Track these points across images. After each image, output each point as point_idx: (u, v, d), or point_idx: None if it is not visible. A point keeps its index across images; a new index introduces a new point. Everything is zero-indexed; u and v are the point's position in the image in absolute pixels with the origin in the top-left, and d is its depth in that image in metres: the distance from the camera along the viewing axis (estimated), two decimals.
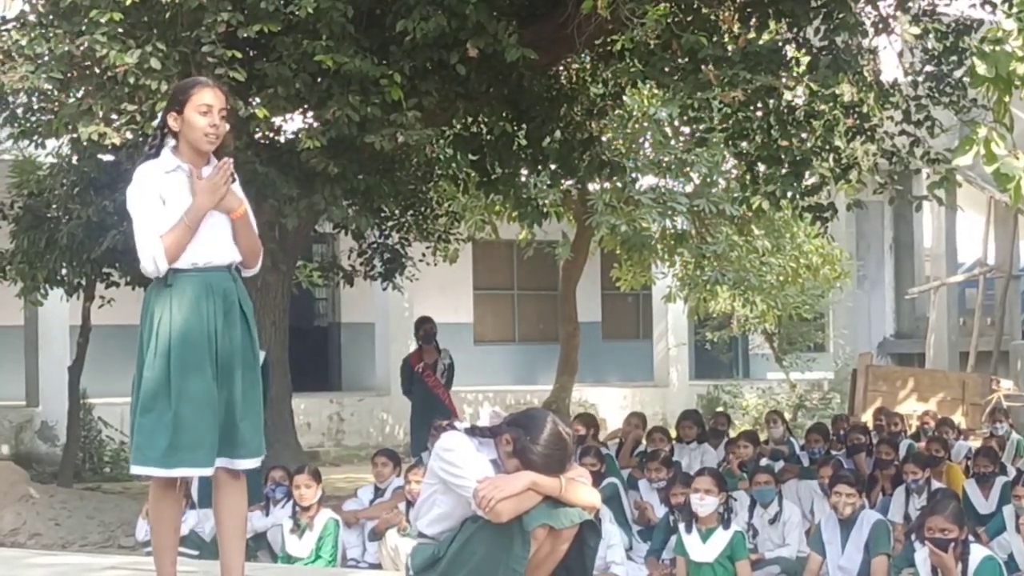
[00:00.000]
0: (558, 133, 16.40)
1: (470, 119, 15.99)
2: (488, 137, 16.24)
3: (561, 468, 6.86)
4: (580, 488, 6.90)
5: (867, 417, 21.00)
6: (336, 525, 12.40)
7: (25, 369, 23.36)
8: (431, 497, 7.02)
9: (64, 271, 17.17)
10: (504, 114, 15.64)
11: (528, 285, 30.51)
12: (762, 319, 26.67)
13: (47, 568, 10.32)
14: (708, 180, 21.89)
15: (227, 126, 7.10)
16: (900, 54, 15.27)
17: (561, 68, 16.33)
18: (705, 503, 11.21)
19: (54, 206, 16.97)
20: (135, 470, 7.08)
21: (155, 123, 7.33)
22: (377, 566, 12.51)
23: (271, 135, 14.26)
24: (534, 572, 6.86)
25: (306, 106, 13.72)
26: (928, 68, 15.63)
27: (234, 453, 7.07)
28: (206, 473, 7.07)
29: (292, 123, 14.37)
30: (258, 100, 13.13)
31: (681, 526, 11.49)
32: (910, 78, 15.73)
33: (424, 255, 19.46)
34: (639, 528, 13.57)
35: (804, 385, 29.55)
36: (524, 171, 16.96)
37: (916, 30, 13.93)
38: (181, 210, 6.92)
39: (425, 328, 18.33)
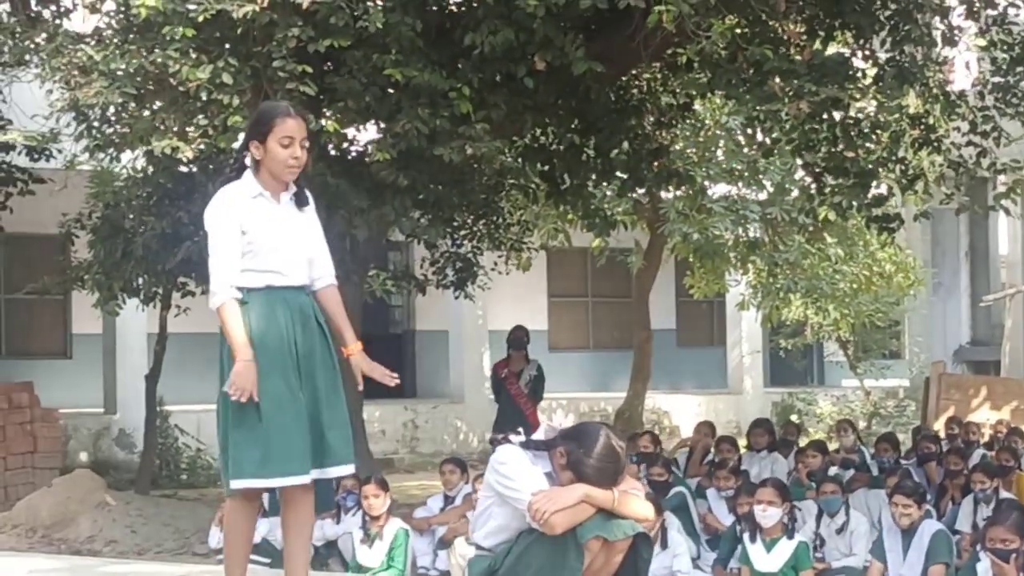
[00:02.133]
0: (626, 144, 16.44)
1: (539, 131, 16.04)
2: (557, 148, 16.30)
3: (614, 480, 6.96)
4: (633, 500, 7.00)
5: (939, 425, 20.92)
6: (406, 535, 12.48)
7: (103, 377, 23.59)
8: (487, 509, 7.12)
9: (140, 281, 17.38)
10: (572, 125, 15.71)
11: (602, 292, 30.56)
12: (836, 326, 26.61)
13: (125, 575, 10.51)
14: (781, 188, 21.87)
15: (307, 154, 7.25)
16: (967, 65, 15.28)
17: (629, 80, 16.37)
18: (768, 514, 11.29)
19: (130, 217, 17.18)
20: (235, 484, 7.14)
21: (236, 145, 7.45)
22: (446, 574, 12.61)
23: (342, 148, 14.39)
24: None
25: (376, 119, 13.80)
26: (996, 79, 15.62)
27: (324, 462, 7.17)
28: (303, 481, 7.14)
29: (362, 135, 14.49)
30: (328, 113, 13.26)
31: (745, 536, 11.57)
32: (977, 89, 15.73)
33: (496, 264, 19.55)
34: (707, 537, 13.62)
35: (879, 393, 29.42)
36: (593, 181, 17.02)
37: (984, 41, 13.93)
38: (262, 238, 7.07)
39: (515, 335, 18.49)
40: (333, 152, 14.27)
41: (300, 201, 7.35)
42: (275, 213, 7.18)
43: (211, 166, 15.63)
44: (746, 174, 21.56)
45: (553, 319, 30.00)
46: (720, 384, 30.45)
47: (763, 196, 22.05)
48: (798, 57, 14.01)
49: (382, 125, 13.82)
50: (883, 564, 11.56)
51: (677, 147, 19.36)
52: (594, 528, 6.83)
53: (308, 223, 7.36)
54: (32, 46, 14.05)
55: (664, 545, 12.03)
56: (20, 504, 15.61)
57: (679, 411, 28.16)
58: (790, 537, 11.38)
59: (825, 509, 12.93)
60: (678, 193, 19.90)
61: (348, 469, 7.38)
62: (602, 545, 6.88)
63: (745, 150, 21.35)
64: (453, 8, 14.09)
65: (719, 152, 21.56)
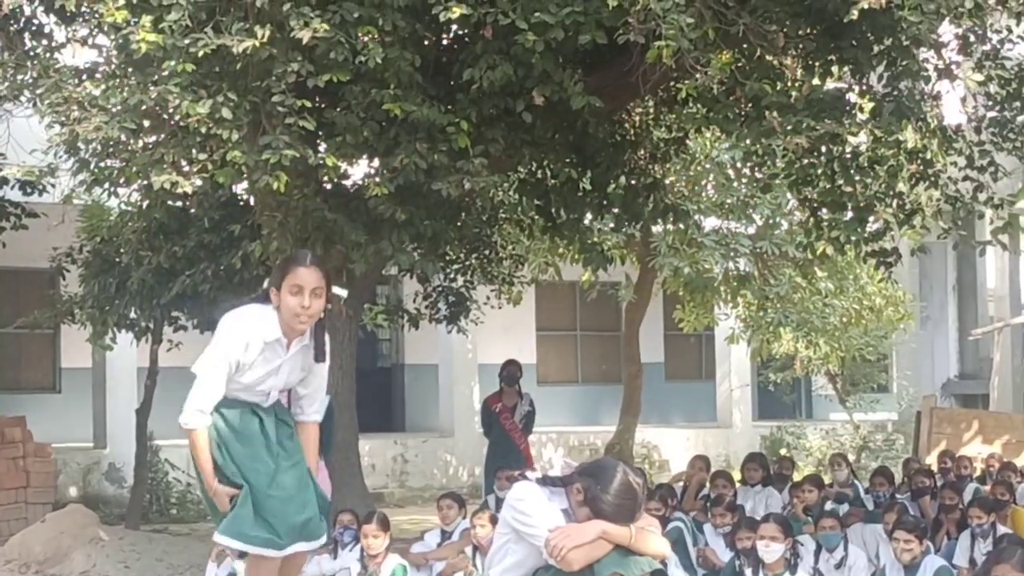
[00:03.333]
0: (623, 178, 16.48)
1: (535, 165, 16.10)
2: (553, 182, 16.33)
3: (631, 517, 6.94)
4: (650, 537, 6.99)
5: (932, 459, 20.97)
6: (404, 570, 12.48)
7: (93, 411, 23.57)
8: (504, 546, 7.10)
9: (134, 315, 17.41)
10: (569, 160, 15.74)
11: (591, 326, 30.61)
12: (825, 360, 26.64)
13: None
14: (771, 222, 21.94)
15: (322, 302, 7.33)
16: (963, 100, 15.31)
17: (625, 114, 16.42)
18: (771, 549, 11.29)
19: (123, 251, 17.21)
20: (254, 551, 7.56)
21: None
22: None
23: (339, 182, 14.40)
24: None
25: (374, 153, 13.80)
26: (991, 114, 15.69)
27: (307, 536, 7.68)
28: (318, 544, 7.78)
29: (359, 170, 14.51)
30: (326, 148, 13.27)
31: (748, 571, 11.57)
32: (973, 124, 15.79)
33: (488, 298, 19.59)
34: (704, 572, 13.62)
35: (868, 426, 29.46)
36: (589, 216, 17.06)
37: (979, 76, 13.96)
38: (254, 382, 7.41)
39: (509, 370, 18.52)
40: (330, 186, 14.27)
41: (318, 356, 7.57)
42: (278, 362, 7.44)
43: (206, 202, 15.70)
44: (736, 209, 21.60)
45: (541, 353, 30.02)
46: (709, 418, 30.50)
47: (752, 230, 22.11)
48: (796, 92, 14.08)
49: (380, 159, 13.84)
50: None
51: (669, 181, 19.42)
52: (611, 565, 6.81)
53: (314, 372, 7.67)
54: (28, 81, 14.04)
55: None
56: (13, 539, 15.59)
57: (668, 445, 28.19)
58: (792, 573, 11.38)
59: (824, 544, 12.95)
60: (669, 227, 19.94)
61: (322, 541, 7.90)
62: None
63: (735, 184, 21.42)
64: (451, 43, 14.12)
65: (709, 187, 21.63)
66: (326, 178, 13.70)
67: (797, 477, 17.62)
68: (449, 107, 13.20)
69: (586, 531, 6.81)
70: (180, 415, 7.51)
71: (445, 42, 14.17)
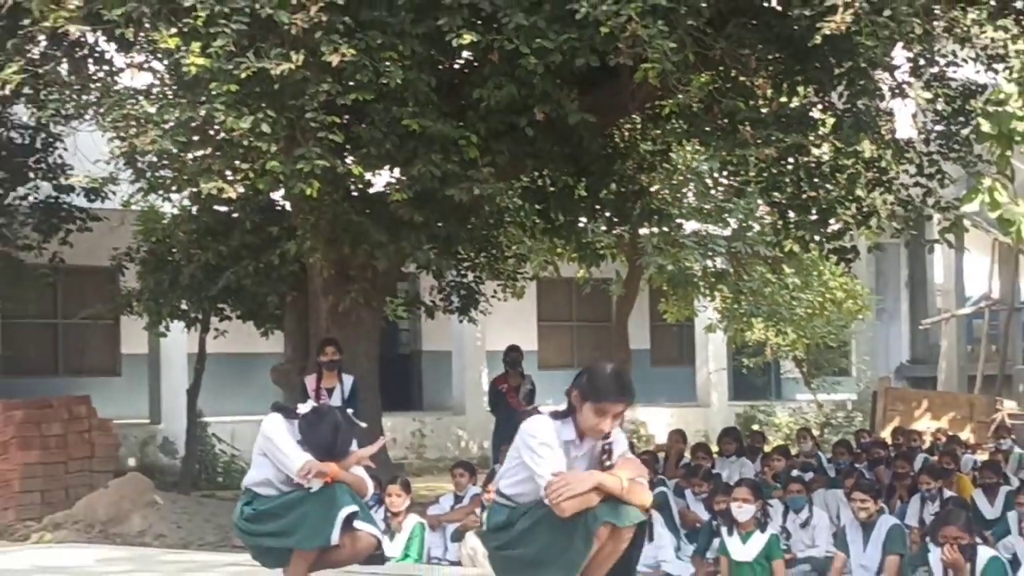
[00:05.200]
0: (613, 185, 16.50)
1: (537, 174, 16.09)
2: (552, 189, 16.34)
3: (624, 392, 6.87)
4: (639, 489, 6.87)
5: (886, 434, 20.97)
6: (422, 528, 12.49)
7: (149, 392, 23.59)
8: (516, 466, 6.96)
9: (185, 307, 17.42)
10: (566, 169, 15.74)
11: (585, 317, 30.55)
12: (792, 347, 26.66)
13: (177, 564, 10.51)
14: (744, 225, 21.91)
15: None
16: (914, 115, 15.33)
17: (616, 129, 16.42)
18: (743, 510, 11.29)
19: (175, 251, 17.23)
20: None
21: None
22: (457, 563, 12.60)
23: (364, 189, 14.41)
24: (596, 569, 6.82)
25: (395, 164, 13.84)
26: (938, 127, 15.71)
27: None
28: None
29: (382, 178, 14.51)
30: (353, 159, 13.28)
31: (723, 530, 11.56)
32: (923, 136, 15.80)
33: (495, 292, 19.58)
34: (686, 531, 13.63)
35: (830, 405, 29.41)
36: (583, 219, 17.06)
37: (928, 95, 13.99)
38: None
39: (512, 356, 18.47)
40: (356, 193, 14.29)
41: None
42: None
43: (248, 206, 15.71)
44: (713, 213, 21.57)
45: (542, 341, 29.95)
46: (690, 398, 30.46)
47: (728, 232, 22.10)
48: (766, 108, 14.09)
49: (400, 169, 13.86)
50: (845, 554, 11.58)
51: (654, 188, 19.41)
52: (605, 514, 6.71)
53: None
54: (92, 101, 14.05)
55: (651, 538, 12.01)
56: (80, 503, 15.58)
57: (654, 422, 28.13)
58: (763, 530, 11.37)
59: (791, 506, 12.96)
60: (654, 229, 19.92)
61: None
62: (611, 532, 6.74)
63: (713, 192, 21.40)
64: (463, 66, 14.13)
65: (690, 194, 21.61)
66: (353, 185, 13.76)
67: (767, 449, 17.61)
68: (460, 123, 13.22)
69: (583, 482, 6.69)
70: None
71: (457, 65, 14.17)
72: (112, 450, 17.44)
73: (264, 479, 7.71)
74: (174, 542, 14.40)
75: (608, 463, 6.83)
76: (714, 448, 16.97)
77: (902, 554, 11.35)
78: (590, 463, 6.86)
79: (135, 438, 22.52)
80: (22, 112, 18.24)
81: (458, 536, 12.85)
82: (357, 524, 7.55)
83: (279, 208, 16.05)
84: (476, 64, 13.46)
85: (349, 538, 7.51)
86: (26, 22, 12.92)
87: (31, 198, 18.68)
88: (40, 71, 14.23)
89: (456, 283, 18.53)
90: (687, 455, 16.59)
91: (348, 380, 14.60)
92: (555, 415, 6.97)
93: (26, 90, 15.14)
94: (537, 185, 16.39)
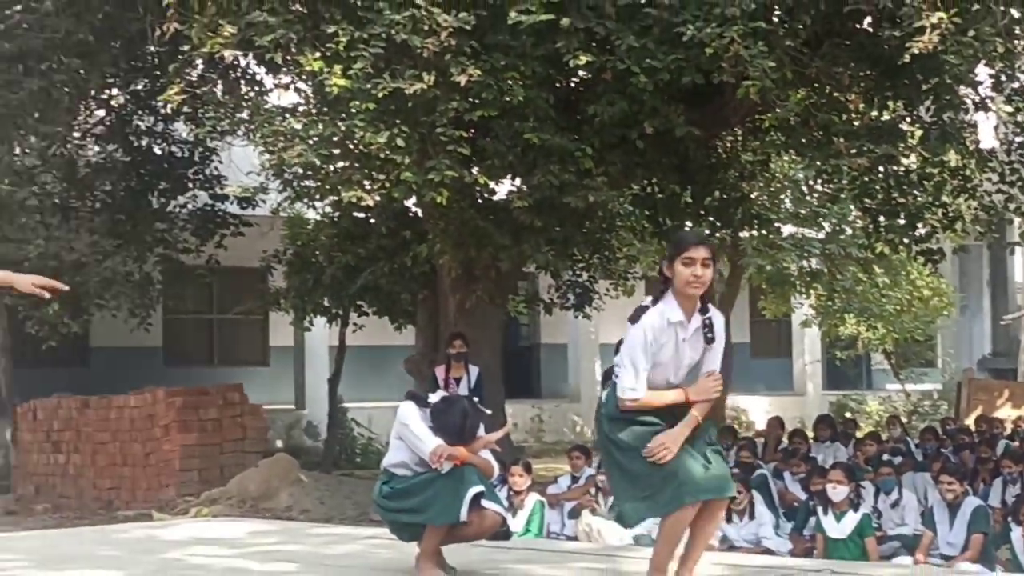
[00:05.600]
0: (717, 193, 16.41)
1: (646, 182, 16.03)
2: (660, 196, 16.26)
3: (702, 238, 6.90)
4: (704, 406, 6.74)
5: (970, 421, 20.63)
6: (542, 506, 12.48)
7: (294, 380, 23.86)
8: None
9: (327, 303, 17.58)
10: (673, 178, 15.65)
11: None
12: (882, 341, 26.39)
13: (321, 537, 10.57)
14: (837, 228, 21.74)
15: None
16: (996, 127, 15.08)
17: (718, 141, 16.33)
18: (837, 491, 11.18)
19: (318, 253, 17.39)
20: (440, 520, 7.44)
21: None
22: (574, 538, 12.57)
23: (489, 197, 14.45)
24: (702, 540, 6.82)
25: (516, 174, 13.85)
26: (1019, 138, 15.43)
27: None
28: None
29: (504, 187, 14.54)
30: (478, 169, 13.30)
31: (819, 509, 11.47)
32: (1004, 146, 15.54)
33: (608, 290, 19.55)
34: (784, 510, 13.51)
35: (917, 395, 29.01)
36: (689, 223, 16.98)
37: (1009, 108, 13.75)
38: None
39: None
40: (482, 200, 14.32)
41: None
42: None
43: (384, 213, 15.80)
44: (809, 218, 21.42)
45: None
46: (786, 388, 30.21)
47: (822, 235, 21.92)
48: (858, 122, 13.94)
49: (521, 178, 13.87)
50: (932, 533, 11.42)
51: (754, 195, 19.30)
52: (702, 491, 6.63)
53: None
54: (245, 118, 14.21)
55: (752, 516, 11.95)
56: (233, 481, 15.78)
57: (753, 410, 27.96)
58: (855, 510, 11.26)
59: (882, 488, 12.77)
60: (754, 232, 19.80)
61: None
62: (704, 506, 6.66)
63: (808, 198, 21.23)
64: (578, 85, 14.11)
65: (787, 200, 21.46)
66: (479, 194, 13.80)
67: (859, 435, 17.41)
68: (577, 136, 13.20)
69: (680, 433, 6.58)
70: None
71: (573, 84, 14.15)
72: (262, 433, 17.64)
73: (400, 461, 7.76)
74: (317, 516, 14.53)
75: (710, 335, 6.66)
76: (810, 434, 16.80)
77: (986, 532, 11.17)
78: (697, 341, 6.68)
79: (282, 422, 22.77)
80: (182, 129, 18.55)
81: (575, 513, 12.83)
82: (484, 503, 7.56)
83: (412, 214, 16.14)
84: (591, 82, 13.43)
85: (477, 515, 7.52)
86: (186, 48, 13.10)
87: (190, 206, 18.94)
88: (198, 92, 14.43)
89: (572, 282, 18.52)
90: (784, 440, 16.44)
91: (474, 370, 14.65)
92: (655, 300, 6.77)
93: (185, 109, 15.42)
94: (646, 192, 16.34)
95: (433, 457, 7.50)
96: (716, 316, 6.76)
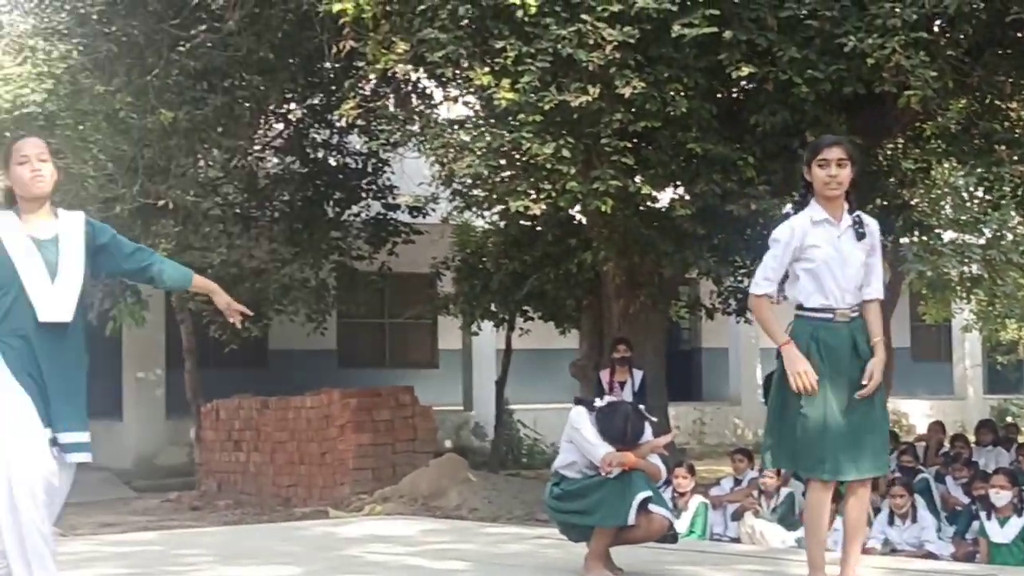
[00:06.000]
0: (878, 200, 16.16)
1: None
2: None
3: (836, 139, 6.92)
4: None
5: None
6: (705, 508, 12.45)
7: (462, 382, 24.03)
8: None
9: (494, 308, 17.70)
10: None
11: None
12: None
13: (491, 536, 10.67)
14: (998, 234, 21.26)
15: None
16: None
17: (879, 149, 16.09)
18: (1001, 496, 10.97)
19: (485, 260, 17.51)
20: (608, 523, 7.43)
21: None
22: (736, 540, 12.51)
23: (652, 205, 14.42)
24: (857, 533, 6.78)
25: (679, 182, 13.82)
26: None
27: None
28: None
29: (666, 195, 14.51)
30: (642, 179, 13.29)
31: (982, 514, 11.26)
32: None
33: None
34: (946, 514, 13.28)
35: None
36: None
37: None
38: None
39: None
40: (645, 209, 14.30)
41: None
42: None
43: (550, 221, 15.86)
44: (969, 224, 21.00)
45: None
46: (947, 391, 29.67)
47: (983, 241, 21.48)
48: (1020, 130, 13.65)
49: (684, 187, 13.83)
50: None
51: (914, 202, 18.98)
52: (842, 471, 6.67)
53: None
54: (416, 131, 14.38)
55: (914, 520, 11.77)
56: (405, 479, 15.94)
57: (914, 413, 27.50)
58: (1019, 515, 11.03)
59: None
60: (915, 239, 19.46)
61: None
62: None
63: (969, 204, 20.82)
64: (740, 95, 14.03)
65: (947, 206, 21.08)
66: (642, 202, 13.76)
67: (1021, 440, 17.03)
68: (739, 145, 13.12)
69: None
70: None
71: (735, 94, 14.06)
72: (432, 433, 17.80)
73: (570, 463, 7.81)
74: (486, 515, 14.60)
75: (861, 230, 6.65)
76: (971, 438, 16.48)
77: None
78: (852, 240, 6.64)
79: (451, 423, 22.94)
80: (356, 141, 18.83)
81: (738, 515, 12.76)
82: (652, 507, 7.58)
83: (577, 223, 16.18)
84: (753, 93, 13.34)
85: (644, 519, 7.55)
86: (360, 64, 13.30)
87: (363, 215, 19.23)
88: (371, 106, 14.64)
89: (733, 287, 18.38)
90: (946, 444, 16.16)
91: (638, 374, 14.63)
92: (797, 207, 6.83)
93: (359, 122, 15.64)
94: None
95: (603, 463, 7.54)
96: (867, 217, 6.75)
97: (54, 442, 5.65)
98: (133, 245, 6.15)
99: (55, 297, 5.68)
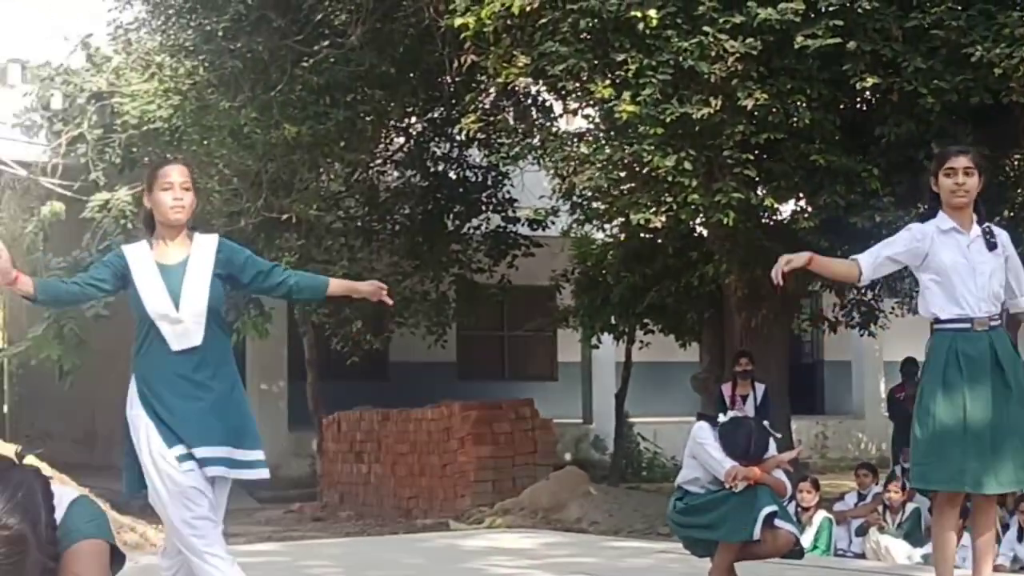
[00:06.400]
0: (1006, 212, 15.92)
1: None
2: None
3: (961, 148, 6.90)
4: None
5: None
6: (830, 523, 12.35)
7: (582, 395, 24.04)
8: None
9: (613, 321, 17.70)
10: None
11: None
12: None
13: (614, 550, 10.67)
14: None
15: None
16: None
17: (1006, 160, 15.83)
18: None
19: (605, 273, 17.52)
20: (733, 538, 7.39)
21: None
22: (861, 556, 12.41)
23: (774, 217, 14.34)
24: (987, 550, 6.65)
25: (801, 194, 13.72)
26: None
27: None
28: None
29: (788, 207, 14.41)
30: (764, 191, 13.23)
31: None
32: None
33: (893, 308, 19.16)
34: None
35: None
36: None
37: None
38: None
39: (908, 367, 18.05)
40: (767, 221, 14.23)
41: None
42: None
43: (670, 234, 15.82)
44: None
45: None
46: None
47: None
48: None
49: (806, 199, 13.72)
50: None
51: None
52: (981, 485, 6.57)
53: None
54: (536, 144, 14.43)
55: None
56: (526, 492, 15.98)
57: None
58: None
59: None
60: None
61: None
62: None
63: None
64: (865, 106, 13.90)
65: None
66: (764, 215, 13.68)
67: None
68: (863, 157, 13.00)
69: None
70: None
71: (859, 105, 13.94)
72: (551, 446, 17.83)
73: (693, 478, 7.80)
74: (606, 528, 14.60)
75: (992, 239, 6.55)
76: None
77: None
78: (983, 249, 6.54)
79: (570, 436, 22.96)
80: (476, 154, 18.94)
81: (862, 531, 12.65)
82: (777, 522, 7.54)
83: (698, 235, 16.13)
84: (877, 104, 13.21)
85: (770, 534, 7.50)
86: (480, 78, 13.39)
87: (483, 228, 19.34)
88: (491, 119, 14.72)
89: (856, 300, 18.21)
90: None
91: (760, 388, 14.56)
92: (924, 218, 6.75)
93: (479, 135, 15.75)
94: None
95: (728, 478, 7.51)
96: (996, 228, 6.66)
97: (197, 460, 5.72)
98: (268, 263, 6.24)
99: (181, 324, 5.78)
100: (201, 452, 5.68)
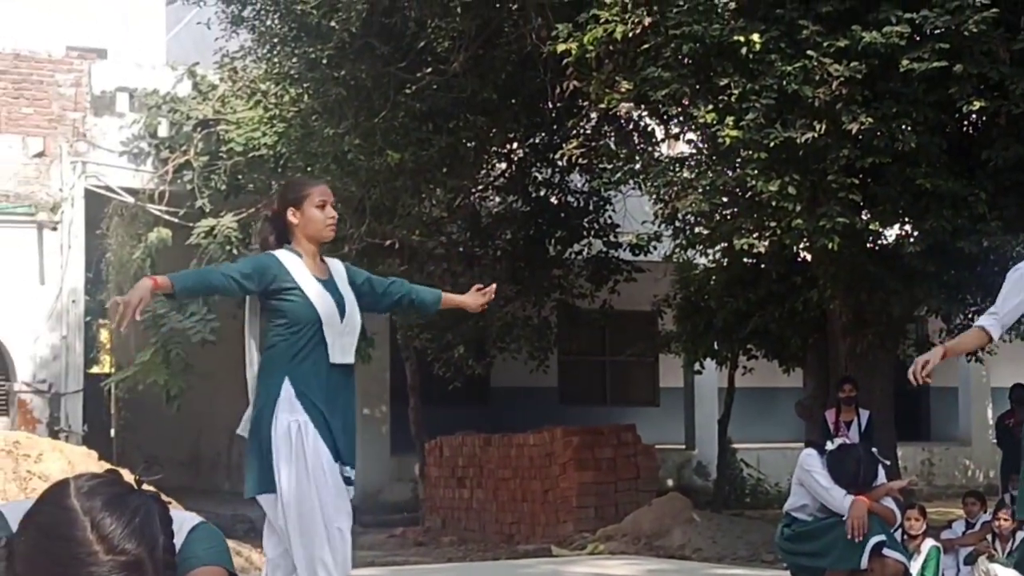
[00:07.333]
0: None
1: None
2: None
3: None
4: None
5: None
6: (937, 552, 12.15)
7: (684, 421, 23.94)
8: None
9: (716, 347, 17.63)
10: None
11: None
12: None
13: None
14: None
15: None
16: None
17: None
18: None
19: (708, 298, 17.46)
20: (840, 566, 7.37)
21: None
22: None
23: (879, 242, 14.23)
24: None
25: (908, 219, 13.60)
26: None
27: None
28: None
29: (893, 232, 14.28)
30: (869, 215, 13.13)
31: None
32: None
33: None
34: None
35: None
36: None
37: None
38: None
39: (1018, 393, 17.80)
40: (872, 246, 14.11)
41: None
42: None
43: (774, 259, 15.75)
44: None
45: None
46: None
47: None
48: None
49: (912, 223, 13.60)
50: None
51: None
52: None
53: None
54: (638, 168, 14.43)
55: None
56: (628, 518, 15.94)
57: None
58: None
59: None
60: None
61: None
62: None
63: None
64: (972, 129, 13.76)
65: None
66: (869, 239, 13.58)
67: None
68: (969, 181, 12.86)
69: None
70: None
71: (966, 129, 13.79)
72: (654, 472, 17.79)
73: (801, 505, 7.76)
74: (710, 555, 14.52)
75: None
76: None
77: None
78: None
79: (672, 462, 22.88)
80: (577, 179, 18.97)
81: (971, 559, 12.44)
82: (886, 551, 7.48)
83: (802, 260, 16.03)
84: (984, 127, 13.08)
85: (878, 563, 7.45)
86: (582, 103, 13.43)
87: (585, 253, 19.34)
88: (593, 145, 14.75)
89: (963, 325, 17.95)
90: None
91: (864, 414, 14.42)
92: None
93: (581, 161, 15.78)
94: None
95: (849, 531, 7.43)
96: None
97: (345, 479, 5.82)
98: (387, 279, 6.33)
99: (344, 338, 5.84)
100: (347, 471, 5.79)
